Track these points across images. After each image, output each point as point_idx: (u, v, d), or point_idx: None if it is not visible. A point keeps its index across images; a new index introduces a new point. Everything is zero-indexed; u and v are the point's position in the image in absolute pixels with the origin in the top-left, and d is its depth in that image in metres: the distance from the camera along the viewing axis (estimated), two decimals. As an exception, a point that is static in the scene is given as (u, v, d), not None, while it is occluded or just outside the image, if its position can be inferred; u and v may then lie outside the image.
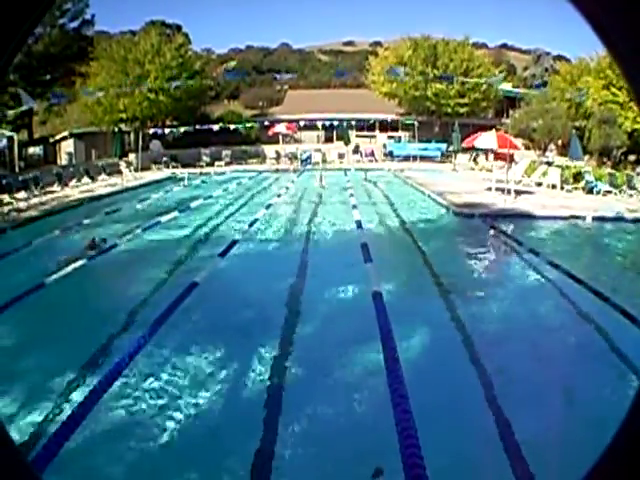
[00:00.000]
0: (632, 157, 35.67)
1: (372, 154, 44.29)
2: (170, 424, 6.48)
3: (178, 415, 6.68)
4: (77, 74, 40.02)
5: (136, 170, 36.08)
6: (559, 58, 63.20)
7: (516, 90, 45.82)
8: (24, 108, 27.54)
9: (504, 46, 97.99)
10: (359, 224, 16.46)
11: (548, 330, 9.77)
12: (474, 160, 39.40)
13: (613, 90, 34.21)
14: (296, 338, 9.02)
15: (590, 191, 25.47)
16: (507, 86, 42.16)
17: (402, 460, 4.14)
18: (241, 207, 22.39)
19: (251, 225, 16.90)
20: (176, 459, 6.01)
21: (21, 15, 1.01)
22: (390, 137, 48.43)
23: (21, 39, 1.05)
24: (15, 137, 32.99)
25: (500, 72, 46.35)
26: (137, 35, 45.25)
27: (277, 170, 37.85)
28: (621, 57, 0.93)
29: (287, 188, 26.12)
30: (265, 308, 10.51)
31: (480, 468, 5.74)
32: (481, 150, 34.89)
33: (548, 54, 70.86)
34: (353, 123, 47.79)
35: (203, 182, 31.22)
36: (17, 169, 31.27)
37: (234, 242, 14.09)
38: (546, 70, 63.42)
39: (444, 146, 43.11)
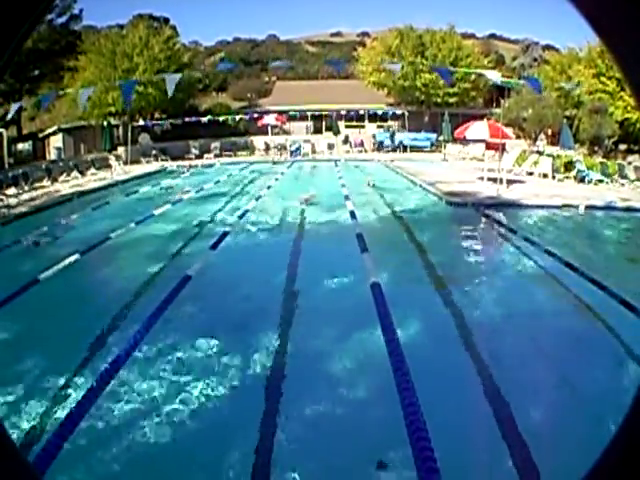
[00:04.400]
0: (623, 146, 35.75)
1: (362, 144, 44.36)
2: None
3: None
4: (65, 69, 39.80)
5: (125, 164, 35.94)
6: (548, 48, 63.19)
7: (508, 81, 45.67)
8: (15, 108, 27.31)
9: (492, 36, 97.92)
10: (353, 214, 16.42)
11: (544, 316, 9.80)
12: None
13: (603, 80, 34.23)
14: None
15: (582, 180, 25.52)
16: (495, 75, 42.06)
17: (413, 454, 4.12)
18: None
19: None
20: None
21: (20, 16, 0.99)
22: (380, 127, 48.40)
23: (20, 40, 1.03)
24: (4, 133, 32.76)
25: (489, 64, 46.52)
26: (125, 29, 45.07)
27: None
28: (622, 58, 0.92)
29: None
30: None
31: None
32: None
33: (537, 44, 70.86)
34: (342, 113, 47.79)
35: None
36: (6, 165, 31.05)
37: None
38: (535, 60, 63.47)
39: (434, 136, 43.21)
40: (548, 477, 5.26)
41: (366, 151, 43.38)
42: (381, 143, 44.11)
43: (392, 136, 43.97)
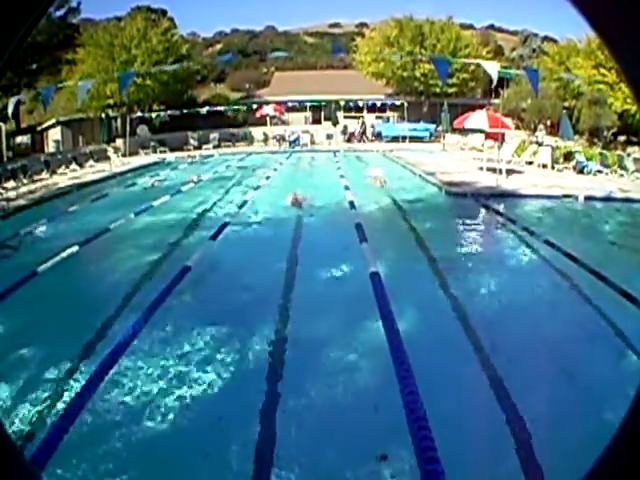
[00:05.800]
0: (622, 137, 35.65)
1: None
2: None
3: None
4: (63, 62, 39.66)
5: (124, 155, 35.84)
6: (547, 39, 62.98)
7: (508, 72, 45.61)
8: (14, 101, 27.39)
9: (491, 27, 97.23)
10: (352, 204, 16.39)
11: (541, 304, 9.88)
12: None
13: (602, 71, 34.10)
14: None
15: (581, 171, 25.49)
16: (492, 67, 42.02)
17: (413, 443, 4.13)
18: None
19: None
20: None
21: (20, 16, 1.00)
22: (378, 118, 48.27)
23: (20, 40, 1.03)
24: (2, 127, 32.69)
25: (488, 54, 46.42)
26: (123, 21, 44.87)
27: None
28: (620, 54, 0.92)
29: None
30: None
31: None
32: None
33: (536, 35, 70.68)
34: (341, 104, 47.70)
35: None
36: (5, 159, 31.00)
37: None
38: (534, 51, 63.30)
39: (433, 126, 43.15)
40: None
41: (364, 141, 43.35)
42: (379, 133, 44.13)
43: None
